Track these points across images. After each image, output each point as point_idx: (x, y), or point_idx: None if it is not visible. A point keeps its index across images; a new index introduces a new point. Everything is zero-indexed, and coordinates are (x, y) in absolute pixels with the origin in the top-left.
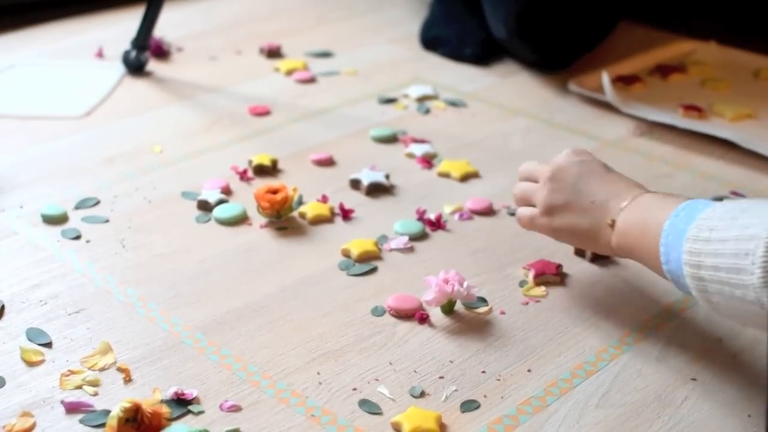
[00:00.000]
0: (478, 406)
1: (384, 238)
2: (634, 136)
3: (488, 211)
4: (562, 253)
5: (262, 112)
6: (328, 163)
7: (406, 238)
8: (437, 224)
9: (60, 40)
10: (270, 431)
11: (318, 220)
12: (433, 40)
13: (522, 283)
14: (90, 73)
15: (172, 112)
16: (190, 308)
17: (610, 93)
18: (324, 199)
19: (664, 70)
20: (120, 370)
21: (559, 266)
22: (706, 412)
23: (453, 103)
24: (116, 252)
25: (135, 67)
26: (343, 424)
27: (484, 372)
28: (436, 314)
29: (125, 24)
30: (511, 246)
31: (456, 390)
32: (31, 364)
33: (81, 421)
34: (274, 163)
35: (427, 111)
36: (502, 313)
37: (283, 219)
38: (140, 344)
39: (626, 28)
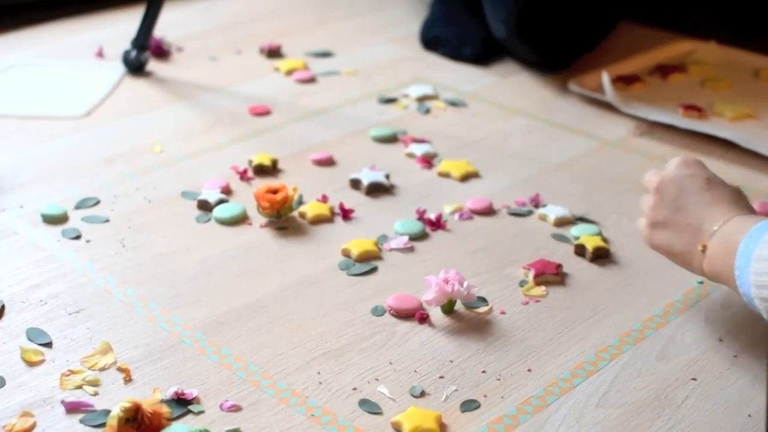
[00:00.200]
0: (479, 406)
1: (384, 238)
2: (635, 136)
3: (488, 211)
4: (562, 253)
5: (262, 112)
6: (328, 162)
7: (406, 238)
8: (437, 224)
9: (60, 39)
10: (270, 431)
11: (318, 220)
12: (434, 39)
13: (522, 283)
14: (90, 73)
15: (172, 111)
16: (190, 308)
17: (610, 93)
18: (324, 199)
19: (664, 70)
20: (120, 369)
21: (559, 266)
22: (706, 412)
23: (453, 103)
24: (116, 252)
25: (135, 67)
26: (344, 424)
27: (484, 372)
28: (436, 314)
29: (125, 24)
30: (511, 246)
31: (456, 390)
32: (31, 363)
33: (81, 421)
34: (274, 162)
35: (427, 111)
36: (502, 312)
37: (283, 219)
38: (140, 344)
39: (626, 27)
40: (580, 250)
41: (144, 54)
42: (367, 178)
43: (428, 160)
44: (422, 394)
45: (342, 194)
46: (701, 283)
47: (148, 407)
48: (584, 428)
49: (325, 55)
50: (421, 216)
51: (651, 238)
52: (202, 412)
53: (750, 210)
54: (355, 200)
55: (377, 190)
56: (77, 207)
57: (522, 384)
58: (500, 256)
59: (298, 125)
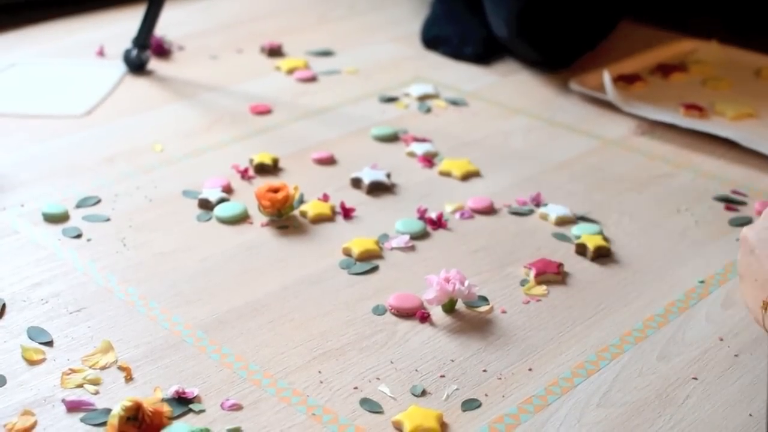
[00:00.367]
0: (479, 405)
1: (385, 237)
2: (636, 135)
3: (489, 210)
4: (563, 252)
5: (263, 111)
6: (329, 161)
7: (407, 237)
8: (438, 223)
9: (61, 38)
10: (271, 430)
11: (319, 219)
12: (434, 38)
13: (523, 282)
14: (91, 71)
15: (173, 110)
16: (191, 307)
17: (611, 92)
18: (325, 198)
19: (665, 69)
20: (121, 368)
21: (560, 265)
22: (707, 412)
23: (454, 102)
24: (117, 251)
25: (136, 66)
26: (344, 423)
27: (485, 371)
28: (437, 313)
29: (126, 23)
30: (512, 245)
31: (457, 389)
32: (32, 362)
33: (82, 420)
34: (275, 161)
35: (428, 110)
36: (503, 312)
37: (284, 218)
38: (141, 343)
39: (627, 27)
40: (581, 250)
41: (145, 53)
42: (368, 177)
43: (429, 159)
44: (423, 393)
45: (343, 193)
46: (702, 282)
47: (149, 406)
48: (585, 427)
49: (326, 54)
50: (422, 215)
51: (739, 290)
52: (203, 411)
53: None
54: (356, 199)
55: (378, 189)
56: (78, 206)
57: (523, 383)
58: (501, 255)
59: (299, 124)
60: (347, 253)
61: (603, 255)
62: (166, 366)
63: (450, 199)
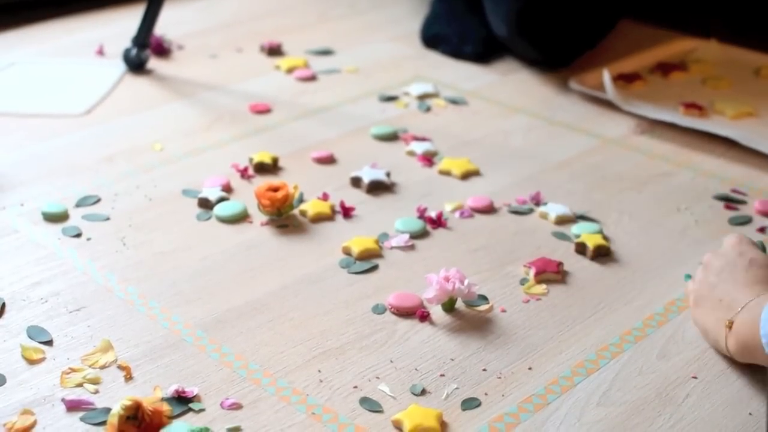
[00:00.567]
0: (479, 404)
1: (385, 236)
2: (635, 134)
3: (489, 209)
4: (562, 251)
5: (263, 110)
6: (328, 161)
7: (406, 236)
8: (438, 222)
9: (60, 38)
10: (271, 429)
11: (319, 218)
12: (434, 37)
13: (523, 281)
14: (90, 71)
15: (172, 110)
16: (190, 306)
17: (611, 91)
18: (325, 197)
19: (665, 68)
20: (121, 368)
21: (560, 264)
22: (707, 411)
23: (454, 101)
24: (117, 250)
25: (136, 65)
26: (344, 422)
27: (485, 370)
28: (436, 312)
29: (126, 22)
30: (512, 244)
31: (457, 388)
32: (31, 362)
33: (82, 419)
34: (275, 160)
35: (428, 109)
36: (503, 311)
37: (283, 217)
38: (141, 342)
39: (627, 26)
40: (580, 249)
41: (144, 52)
42: (367, 176)
43: (429, 158)
44: (423, 392)
45: (343, 192)
46: None
47: (148, 405)
48: (585, 426)
49: (326, 53)
50: (421, 214)
51: (693, 314)
52: (202, 410)
53: None
54: (355, 198)
55: (378, 188)
56: (78, 205)
57: (523, 382)
58: (501, 254)
59: (299, 123)
60: (347, 252)
61: (603, 254)
62: (165, 365)
63: (450, 198)
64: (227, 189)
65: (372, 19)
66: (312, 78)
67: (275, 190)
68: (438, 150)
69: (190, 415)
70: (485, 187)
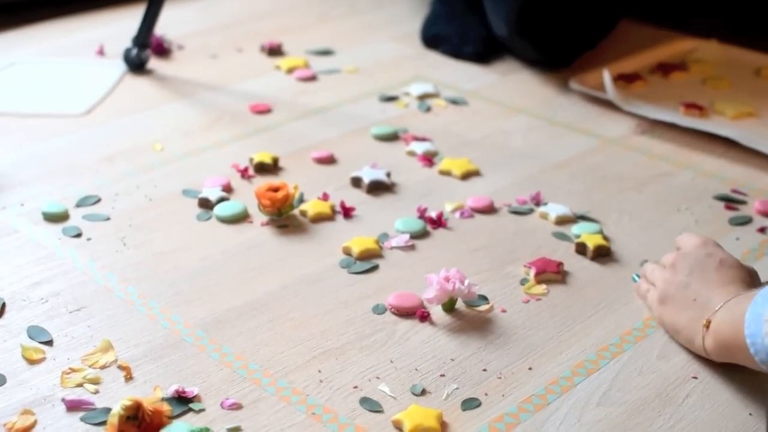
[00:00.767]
0: (479, 404)
1: (385, 236)
2: (635, 135)
3: (489, 209)
4: (563, 251)
5: (263, 110)
6: (329, 161)
7: (407, 236)
8: (438, 222)
9: (60, 37)
10: (271, 429)
11: (319, 218)
12: (434, 37)
13: (523, 281)
14: (91, 71)
15: (172, 110)
16: (190, 306)
17: (611, 91)
18: (325, 197)
19: (665, 69)
20: (121, 368)
21: (560, 264)
22: (707, 411)
23: (454, 101)
24: (117, 250)
25: (136, 65)
26: (344, 422)
27: (485, 370)
28: (437, 312)
29: (126, 22)
30: (512, 244)
31: (457, 388)
32: (31, 362)
33: (82, 419)
34: (275, 160)
35: (428, 109)
36: (503, 311)
37: (284, 217)
38: (141, 342)
39: (627, 26)
40: (581, 249)
41: (145, 52)
42: (368, 176)
43: (429, 159)
44: (423, 392)
45: (343, 192)
46: None
47: (148, 405)
48: (585, 427)
49: (326, 53)
50: (422, 214)
51: (660, 313)
52: (202, 410)
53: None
54: (356, 198)
55: (378, 188)
56: (78, 205)
57: (523, 382)
58: (501, 254)
59: (299, 123)
60: (347, 252)
61: (603, 254)
62: (165, 365)
63: (450, 198)
64: (227, 189)
65: (372, 19)
66: (312, 78)
67: (275, 190)
68: (438, 150)
69: (190, 415)
70: (485, 187)
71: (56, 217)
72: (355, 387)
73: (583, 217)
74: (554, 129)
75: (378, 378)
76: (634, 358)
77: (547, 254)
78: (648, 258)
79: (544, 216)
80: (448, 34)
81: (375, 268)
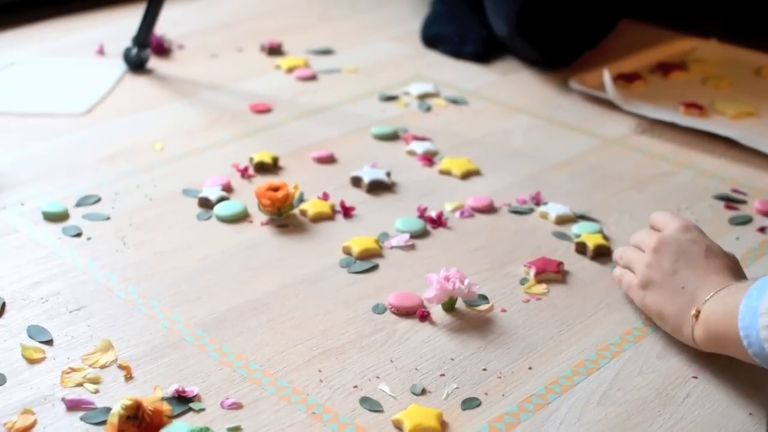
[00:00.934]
0: (479, 404)
1: (385, 236)
2: (635, 134)
3: (489, 209)
4: (563, 251)
5: (263, 110)
6: (329, 160)
7: (407, 236)
8: (438, 222)
9: (61, 37)
10: (271, 429)
11: (319, 218)
12: (435, 37)
13: (523, 281)
14: (91, 70)
15: (172, 109)
16: (191, 306)
17: (611, 91)
18: (325, 197)
19: (665, 68)
20: (121, 367)
21: (560, 264)
22: (707, 410)
23: (454, 101)
24: (117, 249)
25: (136, 65)
26: (344, 422)
27: (485, 370)
28: (437, 312)
29: (126, 21)
30: (512, 243)
31: (457, 387)
32: (31, 361)
33: (82, 419)
34: (275, 160)
35: (428, 108)
36: (503, 310)
37: (284, 216)
38: (141, 342)
39: (627, 26)
40: (581, 248)
41: (145, 51)
42: (368, 175)
43: (429, 158)
44: (423, 391)
45: (343, 192)
46: None
47: (148, 405)
48: (585, 426)
49: (326, 52)
50: (422, 214)
51: (642, 297)
52: (202, 409)
53: (745, 280)
54: (356, 198)
55: (378, 187)
56: (78, 204)
57: (523, 382)
58: (501, 254)
59: (299, 123)
60: (347, 251)
61: (603, 254)
62: (165, 365)
63: (450, 197)
64: (227, 188)
65: (372, 18)
66: (312, 78)
67: (275, 189)
68: (438, 150)
69: (190, 414)
70: (485, 186)
71: (56, 217)
72: (355, 386)
73: (583, 217)
74: (554, 129)
75: (378, 377)
76: (634, 358)
77: (547, 254)
78: None
79: (544, 215)
80: (449, 33)
81: (375, 267)
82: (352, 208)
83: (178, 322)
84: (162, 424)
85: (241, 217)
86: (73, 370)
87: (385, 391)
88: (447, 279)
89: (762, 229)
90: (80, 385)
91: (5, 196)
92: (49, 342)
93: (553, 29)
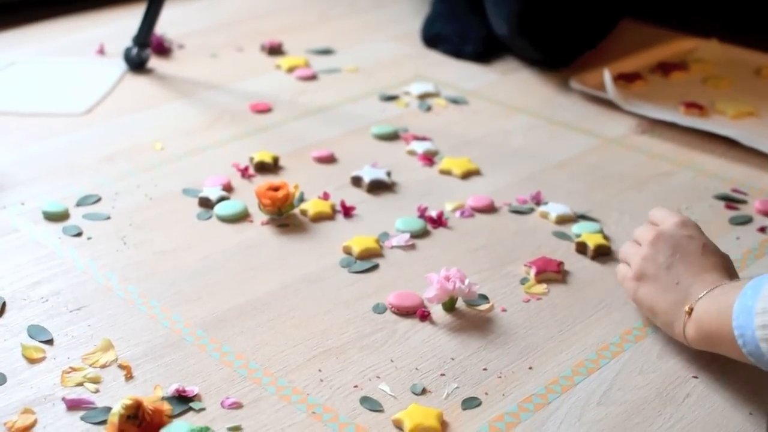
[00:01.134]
0: (480, 404)
1: (385, 236)
2: (636, 134)
3: (489, 209)
4: (563, 251)
5: (264, 109)
6: (329, 160)
7: (407, 236)
8: (438, 221)
9: (61, 37)
10: (271, 428)
11: (319, 218)
12: (435, 37)
13: (523, 281)
14: (91, 70)
15: (173, 109)
16: (191, 305)
17: (611, 90)
18: (325, 197)
19: (665, 68)
20: (121, 367)
21: (560, 263)
22: (707, 410)
23: (454, 101)
24: (117, 249)
25: (136, 64)
26: (345, 422)
27: (485, 369)
28: (437, 311)
29: (126, 21)
30: (512, 243)
31: (457, 387)
32: (32, 361)
33: (82, 418)
34: (276, 160)
35: (429, 108)
36: (504, 310)
37: (284, 216)
38: (141, 341)
39: (628, 25)
40: (581, 248)
41: (145, 51)
42: (368, 175)
43: (429, 158)
44: (423, 391)
45: (343, 192)
46: None
47: (149, 404)
48: (585, 426)
49: (327, 52)
50: (422, 213)
51: (636, 290)
52: (203, 409)
53: (738, 280)
54: (356, 198)
55: (378, 187)
56: (78, 204)
57: (523, 382)
58: (501, 253)
59: (300, 122)
60: (347, 251)
61: (603, 253)
62: (166, 364)
63: (450, 197)
64: (228, 188)
65: (372, 18)
66: (312, 77)
67: (276, 189)
68: (438, 149)
69: (190, 414)
70: (486, 186)
71: (56, 217)
72: (356, 386)
73: (583, 217)
74: (554, 128)
75: (378, 377)
76: (635, 358)
77: (547, 253)
78: None
79: (545, 215)
80: (449, 33)
81: (375, 267)
82: (352, 208)
83: (178, 322)
84: (162, 424)
85: (242, 217)
86: (73, 369)
87: (385, 390)
88: (447, 279)
89: (762, 229)
90: (80, 384)
91: (5, 195)
92: (50, 342)
93: (554, 29)
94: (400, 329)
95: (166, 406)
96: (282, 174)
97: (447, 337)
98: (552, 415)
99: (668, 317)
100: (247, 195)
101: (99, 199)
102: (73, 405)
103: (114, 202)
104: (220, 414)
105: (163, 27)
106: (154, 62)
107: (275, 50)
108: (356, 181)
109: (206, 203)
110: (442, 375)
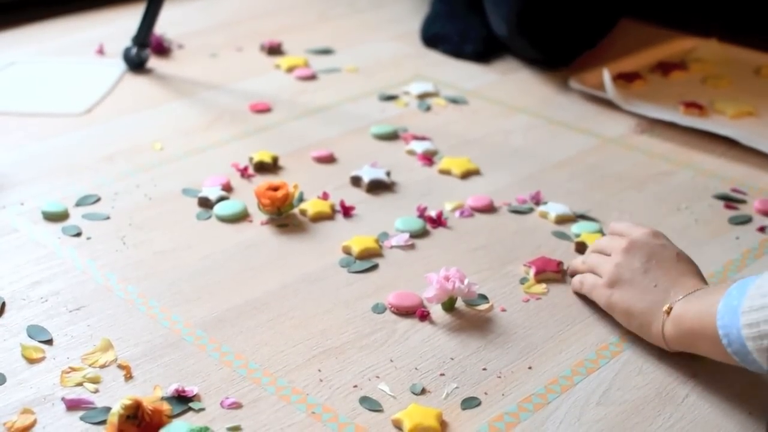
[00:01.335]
0: (479, 404)
1: (385, 235)
2: (635, 134)
3: (489, 209)
4: (562, 250)
5: (263, 109)
6: (328, 160)
7: (407, 235)
8: (438, 221)
9: (60, 37)
10: (271, 428)
11: (319, 217)
12: (434, 37)
13: (523, 281)
14: (90, 70)
15: (172, 109)
16: (190, 305)
17: (611, 90)
18: (325, 196)
19: (665, 68)
20: (121, 367)
21: (560, 263)
22: (706, 410)
23: (454, 101)
24: (117, 249)
25: (136, 64)
26: (344, 422)
27: (485, 369)
28: (436, 311)
29: (126, 21)
30: (512, 243)
31: (457, 387)
32: (31, 361)
33: (82, 418)
34: (275, 160)
35: (428, 108)
36: (503, 310)
37: (283, 216)
38: (141, 341)
39: (627, 25)
40: (580, 248)
41: (145, 51)
42: (367, 175)
43: (429, 158)
44: (423, 391)
45: (343, 191)
46: None
47: (148, 404)
48: (585, 426)
49: (326, 52)
50: (421, 213)
51: (609, 295)
52: (202, 409)
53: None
54: (355, 197)
55: (378, 187)
56: (78, 204)
57: (523, 381)
58: (501, 253)
59: (299, 122)
60: (347, 251)
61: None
62: (165, 364)
63: (450, 197)
64: (227, 188)
65: (372, 18)
66: (312, 77)
67: (275, 189)
68: (438, 149)
69: (190, 414)
70: (485, 186)
71: (56, 217)
72: (355, 386)
73: (582, 216)
74: (554, 128)
75: (378, 377)
76: (634, 358)
77: (546, 253)
78: None
79: (544, 215)
80: (448, 33)
81: (375, 267)
82: (351, 208)
83: (177, 322)
84: (162, 424)
85: (241, 217)
86: (72, 369)
87: (384, 390)
88: (447, 278)
89: (762, 229)
90: (80, 384)
91: (5, 195)
92: (49, 342)
93: (553, 29)
94: (400, 329)
95: (166, 406)
96: (281, 174)
97: (446, 337)
98: (551, 415)
99: (645, 318)
100: (247, 195)
101: (98, 199)
102: (72, 405)
103: (113, 202)
104: (220, 414)
105: (163, 27)
106: (154, 62)
107: (275, 50)
108: (356, 181)
109: (206, 203)
110: (442, 375)
